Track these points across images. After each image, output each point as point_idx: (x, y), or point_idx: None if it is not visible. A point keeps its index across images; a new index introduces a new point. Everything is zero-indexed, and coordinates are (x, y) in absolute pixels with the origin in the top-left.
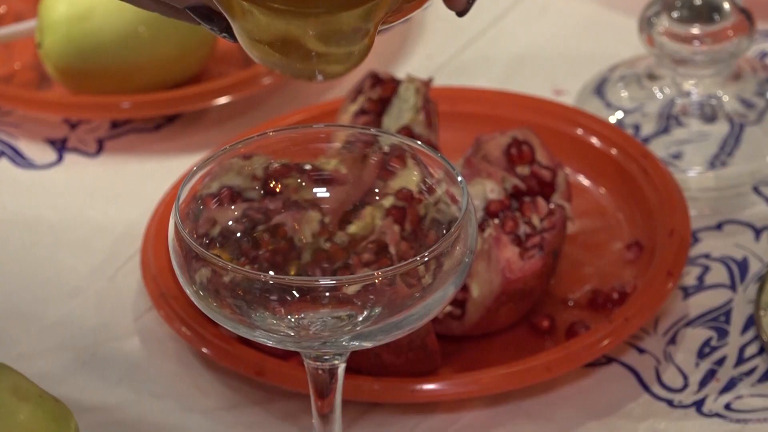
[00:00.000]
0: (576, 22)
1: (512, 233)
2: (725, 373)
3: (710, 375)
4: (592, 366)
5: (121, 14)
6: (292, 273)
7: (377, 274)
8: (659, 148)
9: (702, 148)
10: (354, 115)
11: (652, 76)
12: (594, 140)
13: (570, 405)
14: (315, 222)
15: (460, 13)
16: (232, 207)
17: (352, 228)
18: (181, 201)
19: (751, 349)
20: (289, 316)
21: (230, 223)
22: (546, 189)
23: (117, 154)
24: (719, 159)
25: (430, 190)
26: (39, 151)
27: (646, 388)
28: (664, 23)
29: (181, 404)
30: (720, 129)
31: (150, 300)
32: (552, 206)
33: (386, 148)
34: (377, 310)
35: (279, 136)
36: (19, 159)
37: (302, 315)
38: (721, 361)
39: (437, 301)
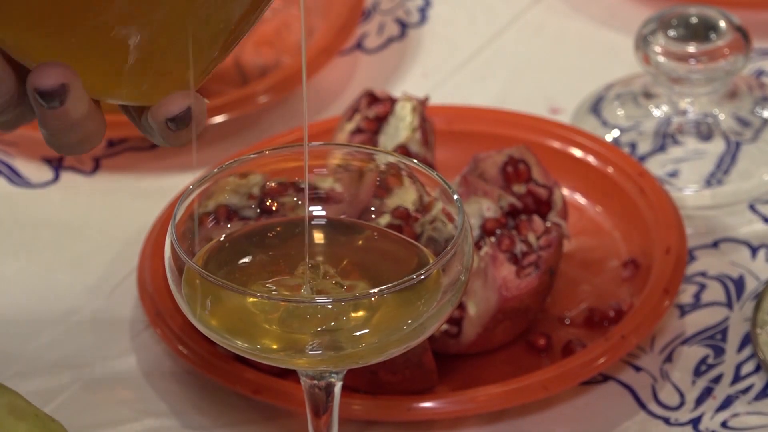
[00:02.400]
0: (572, 41)
1: (508, 251)
2: (722, 391)
3: (707, 393)
4: (589, 384)
5: None
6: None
7: (373, 292)
8: (655, 167)
9: (698, 166)
10: (350, 134)
11: (648, 95)
12: (590, 159)
13: (566, 423)
14: None
15: (173, 121)
16: (228, 225)
17: None
18: (177, 219)
19: (748, 367)
20: (285, 334)
21: None
22: (542, 207)
23: (113, 173)
24: (715, 177)
25: (427, 209)
26: (35, 170)
27: (642, 406)
28: (660, 42)
29: (178, 423)
30: (716, 147)
31: (146, 318)
32: (548, 224)
33: (383, 167)
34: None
35: (275, 154)
36: (15, 177)
37: (298, 333)
38: (717, 379)
39: (434, 319)
